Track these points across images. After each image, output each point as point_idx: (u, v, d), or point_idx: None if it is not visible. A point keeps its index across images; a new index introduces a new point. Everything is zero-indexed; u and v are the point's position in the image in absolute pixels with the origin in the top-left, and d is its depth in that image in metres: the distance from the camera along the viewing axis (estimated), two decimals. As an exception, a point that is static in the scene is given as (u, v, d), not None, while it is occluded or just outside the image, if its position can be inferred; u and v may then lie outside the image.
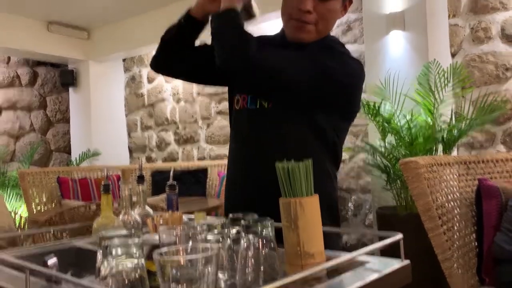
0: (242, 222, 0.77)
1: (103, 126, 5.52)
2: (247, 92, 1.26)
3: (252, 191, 1.22)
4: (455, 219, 1.59)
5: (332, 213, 1.20)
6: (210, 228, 0.79)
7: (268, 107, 1.20)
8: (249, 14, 1.23)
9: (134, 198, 1.15)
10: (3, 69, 5.58)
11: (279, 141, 1.20)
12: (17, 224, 3.20)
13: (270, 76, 1.13)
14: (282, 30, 1.29)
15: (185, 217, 1.07)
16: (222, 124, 4.82)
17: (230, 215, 0.89)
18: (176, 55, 1.32)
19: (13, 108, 5.62)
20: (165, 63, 1.35)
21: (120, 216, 1.09)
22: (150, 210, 1.15)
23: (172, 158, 5.30)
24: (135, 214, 1.11)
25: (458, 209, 1.61)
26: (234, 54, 1.13)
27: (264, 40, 1.27)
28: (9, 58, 5.63)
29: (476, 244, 1.60)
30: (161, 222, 1.00)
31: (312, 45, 1.21)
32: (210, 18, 1.23)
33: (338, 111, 1.20)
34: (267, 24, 4.03)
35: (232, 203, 1.31)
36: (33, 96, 5.75)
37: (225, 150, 4.79)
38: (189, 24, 1.30)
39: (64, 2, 4.54)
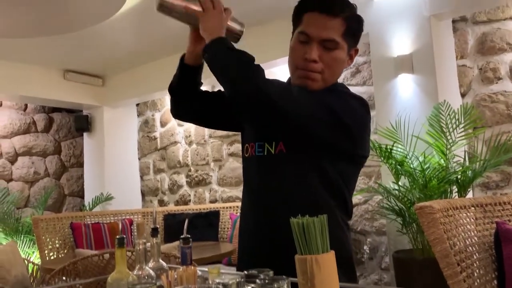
0: (258, 281, 0.76)
1: (116, 170, 5.57)
2: (254, 128, 1.26)
3: (264, 239, 1.21)
4: (475, 265, 1.54)
5: (345, 266, 1.15)
6: (225, 287, 0.79)
7: (275, 153, 1.20)
8: (235, 33, 1.18)
9: (148, 245, 1.15)
10: (20, 116, 5.72)
11: (287, 187, 1.19)
12: (30, 272, 3.18)
13: (278, 107, 1.08)
14: (289, 79, 1.30)
15: (199, 271, 1.06)
16: (234, 166, 4.83)
17: (245, 272, 0.88)
18: (185, 103, 1.35)
19: (28, 153, 5.72)
20: (177, 110, 1.39)
21: (135, 271, 1.09)
22: (164, 264, 1.14)
23: (184, 200, 5.30)
24: (149, 268, 1.10)
25: (477, 254, 1.56)
26: (238, 76, 1.10)
27: None
28: (26, 106, 5.78)
29: (498, 292, 1.54)
30: (176, 277, 0.99)
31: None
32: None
33: (344, 154, 1.19)
34: (276, 69, 4.13)
35: (245, 251, 1.30)
36: (48, 142, 5.86)
37: (237, 192, 4.78)
38: (184, 73, 1.31)
39: (80, 52, 4.70)
